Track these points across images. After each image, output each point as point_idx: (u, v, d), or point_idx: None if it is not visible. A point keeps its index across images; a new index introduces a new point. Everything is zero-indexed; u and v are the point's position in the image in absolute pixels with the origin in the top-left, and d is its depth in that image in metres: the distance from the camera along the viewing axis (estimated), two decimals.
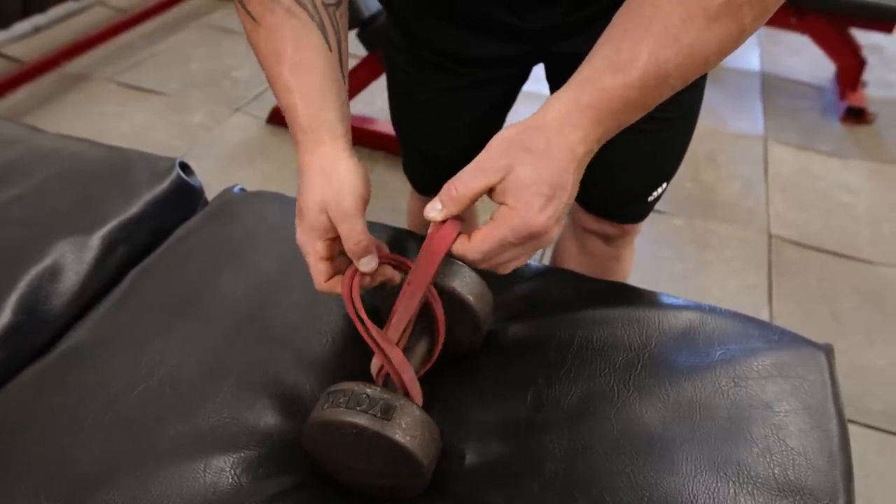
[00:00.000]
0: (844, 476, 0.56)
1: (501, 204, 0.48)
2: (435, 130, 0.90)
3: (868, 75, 2.20)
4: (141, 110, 1.99)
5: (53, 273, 0.69)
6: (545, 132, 0.47)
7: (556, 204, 0.48)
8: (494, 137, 0.49)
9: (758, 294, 1.51)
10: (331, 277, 0.54)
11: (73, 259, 0.71)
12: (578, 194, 1.03)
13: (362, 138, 1.87)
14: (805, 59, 2.41)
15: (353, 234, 0.51)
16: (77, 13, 2.41)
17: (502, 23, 0.69)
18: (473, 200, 0.49)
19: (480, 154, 0.48)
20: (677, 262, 1.60)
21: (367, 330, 0.52)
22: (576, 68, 0.50)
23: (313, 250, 0.54)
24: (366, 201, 0.53)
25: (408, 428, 0.47)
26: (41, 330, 0.67)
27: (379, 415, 0.47)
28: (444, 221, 0.50)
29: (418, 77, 0.81)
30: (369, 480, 0.52)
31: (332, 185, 0.52)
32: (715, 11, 0.45)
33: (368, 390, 0.49)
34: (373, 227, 0.82)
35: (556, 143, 0.47)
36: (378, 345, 0.52)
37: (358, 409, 0.47)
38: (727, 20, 0.45)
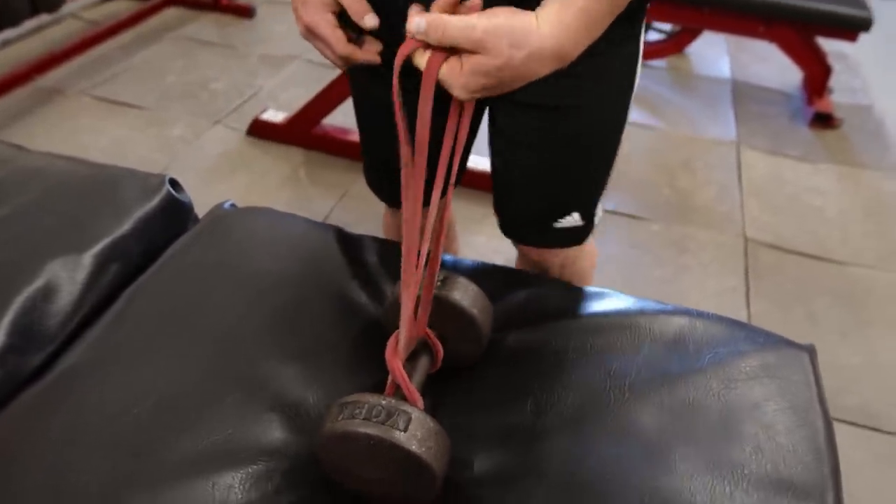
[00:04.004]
0: (832, 471, 0.58)
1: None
2: (392, 140, 0.87)
3: (834, 82, 2.27)
4: (118, 124, 1.97)
5: (46, 293, 0.69)
6: (535, 43, 0.50)
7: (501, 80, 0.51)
8: (491, 15, 0.50)
9: (736, 296, 1.55)
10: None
11: (66, 279, 0.71)
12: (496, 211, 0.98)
13: (344, 149, 1.87)
14: (773, 67, 2.48)
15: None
16: (48, 26, 2.38)
17: None
18: (450, 42, 0.51)
19: (477, 19, 0.50)
20: (656, 266, 1.63)
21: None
22: None
23: (326, 21, 0.63)
24: None
25: (423, 439, 0.48)
26: (36, 351, 0.66)
27: (396, 426, 0.48)
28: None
29: (367, 85, 0.79)
30: (380, 489, 0.53)
31: None
32: None
33: (383, 402, 0.50)
34: (359, 238, 0.82)
35: (542, 50, 0.50)
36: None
37: (375, 420, 0.48)
38: None
